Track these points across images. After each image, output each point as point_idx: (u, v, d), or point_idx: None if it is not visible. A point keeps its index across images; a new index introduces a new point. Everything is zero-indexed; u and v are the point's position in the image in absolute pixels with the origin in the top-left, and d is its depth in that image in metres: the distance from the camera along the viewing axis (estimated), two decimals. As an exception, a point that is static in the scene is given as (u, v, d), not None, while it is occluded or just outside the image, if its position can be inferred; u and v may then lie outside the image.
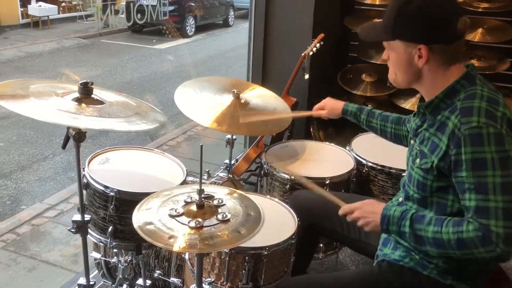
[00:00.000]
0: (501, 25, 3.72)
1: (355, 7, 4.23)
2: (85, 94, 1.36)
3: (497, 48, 3.78)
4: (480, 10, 3.62)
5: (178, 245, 1.25)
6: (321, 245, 2.22)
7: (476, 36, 3.65)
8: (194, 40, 11.50)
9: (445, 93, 1.40)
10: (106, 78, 7.77)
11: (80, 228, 1.44)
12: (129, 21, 10.90)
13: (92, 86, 1.38)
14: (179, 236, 1.27)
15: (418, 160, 1.45)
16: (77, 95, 1.37)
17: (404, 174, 1.62)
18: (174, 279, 1.93)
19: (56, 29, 11.64)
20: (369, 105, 4.13)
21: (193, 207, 1.40)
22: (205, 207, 1.39)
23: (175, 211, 1.38)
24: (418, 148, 1.47)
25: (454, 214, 1.37)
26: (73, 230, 1.46)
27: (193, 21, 11.81)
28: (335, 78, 4.16)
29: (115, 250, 1.85)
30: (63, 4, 12.82)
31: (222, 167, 2.55)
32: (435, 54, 1.37)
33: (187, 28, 11.54)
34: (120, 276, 1.87)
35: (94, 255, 2.07)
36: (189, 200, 1.43)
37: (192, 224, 1.32)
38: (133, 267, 2.01)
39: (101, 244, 1.76)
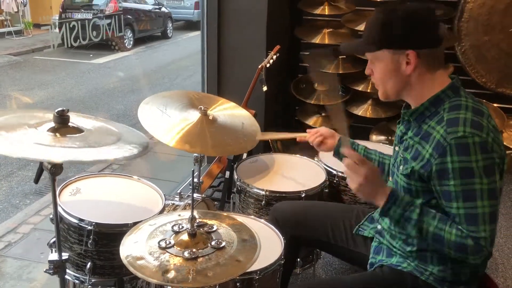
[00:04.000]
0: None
1: (304, 17, 4.29)
2: (62, 123, 1.25)
3: (441, 54, 3.96)
4: (424, 18, 3.77)
5: (175, 280, 1.17)
6: (298, 259, 2.19)
7: (421, 43, 3.79)
8: (133, 53, 11.20)
9: (430, 101, 1.43)
10: (43, 96, 7.38)
11: (58, 268, 1.31)
12: (61, 35, 10.36)
13: (69, 114, 1.27)
14: (175, 270, 1.19)
15: (401, 167, 1.48)
16: (52, 124, 1.25)
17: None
18: (153, 310, 1.82)
19: (-17, 46, 10.93)
20: (323, 114, 4.20)
21: (184, 237, 1.32)
22: (197, 235, 1.32)
23: (166, 242, 1.29)
24: (402, 156, 1.50)
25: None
26: (50, 272, 1.33)
27: (131, 34, 11.52)
28: (288, 88, 4.19)
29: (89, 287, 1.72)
30: (-11, 19, 12.08)
31: (190, 187, 2.46)
32: (422, 59, 1.40)
33: (125, 41, 11.23)
34: (97, 313, 1.73)
35: (62, 292, 1.91)
36: (177, 229, 1.35)
37: (187, 255, 1.24)
38: (108, 301, 1.88)
39: (77, 281, 1.62)
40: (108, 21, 10.82)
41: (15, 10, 12.13)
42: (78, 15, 10.54)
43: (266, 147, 3.82)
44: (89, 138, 1.24)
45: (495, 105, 4.04)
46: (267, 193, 2.12)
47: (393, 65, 1.43)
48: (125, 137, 1.33)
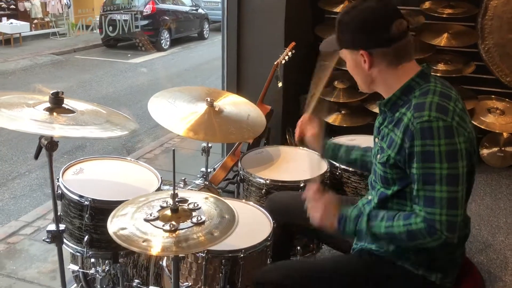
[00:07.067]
0: (465, 30, 3.86)
1: (326, 16, 4.34)
2: (56, 104, 1.38)
3: (463, 52, 3.92)
4: (444, 16, 3.75)
5: (152, 248, 1.27)
6: (298, 247, 2.25)
7: (442, 41, 3.78)
8: (169, 53, 11.51)
9: (401, 90, 1.47)
10: (81, 93, 7.71)
11: (55, 237, 1.44)
12: (102, 34, 10.85)
13: (63, 96, 1.40)
14: (153, 240, 1.29)
15: (378, 156, 1.53)
16: (48, 105, 1.39)
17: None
18: (153, 288, 1.93)
19: (29, 46, 11.51)
20: (343, 111, 4.23)
21: (168, 212, 1.42)
22: (179, 211, 1.42)
23: (150, 215, 1.40)
24: (379, 145, 1.54)
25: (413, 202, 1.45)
26: (48, 240, 1.47)
27: (168, 35, 11.83)
28: (309, 86, 4.23)
29: (92, 261, 1.85)
30: (35, 21, 12.69)
31: (198, 176, 2.57)
32: (377, 58, 1.45)
33: (162, 41, 11.55)
34: (99, 286, 1.86)
35: (72, 267, 2.06)
36: (164, 205, 1.45)
37: (167, 227, 1.34)
38: (112, 277, 2.00)
39: (78, 254, 1.76)
40: (146, 21, 11.18)
41: (60, 11, 12.71)
42: (117, 16, 10.94)
43: (284, 139, 3.89)
44: (79, 118, 1.36)
45: (519, 105, 3.95)
46: (267, 182, 2.19)
47: (354, 63, 1.51)
48: (112, 120, 1.44)
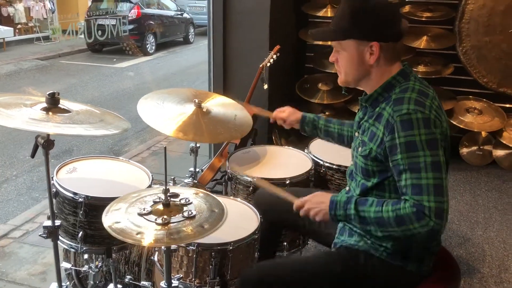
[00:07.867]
0: (444, 33, 4.00)
1: (309, 20, 4.44)
2: (53, 104, 1.45)
3: (442, 54, 4.06)
4: (423, 19, 3.89)
5: (145, 240, 1.34)
6: (285, 243, 2.33)
7: (421, 43, 3.91)
8: (155, 57, 11.54)
9: (382, 87, 1.56)
10: (67, 98, 7.71)
11: (51, 233, 1.50)
12: (90, 38, 10.82)
13: (59, 96, 1.46)
14: (146, 232, 1.36)
15: (360, 149, 1.62)
16: (44, 105, 1.45)
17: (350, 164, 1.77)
18: (144, 283, 1.99)
19: (13, 51, 11.45)
20: (327, 112, 4.33)
21: (160, 206, 1.49)
22: (171, 206, 1.48)
23: (143, 210, 1.46)
24: (361, 139, 1.63)
25: (391, 194, 1.55)
26: (44, 236, 1.52)
27: (153, 39, 11.86)
28: (294, 88, 4.34)
29: (85, 257, 1.90)
30: (19, 26, 12.62)
31: (187, 175, 2.64)
32: (384, 52, 1.53)
33: (147, 46, 11.57)
34: (92, 282, 1.92)
35: (65, 265, 2.11)
36: (157, 200, 1.52)
37: (159, 220, 1.41)
38: (104, 274, 2.06)
39: (72, 250, 1.81)
40: (131, 26, 11.19)
41: (44, 17, 12.66)
42: (106, 21, 10.92)
43: (269, 139, 3.98)
44: (74, 117, 1.43)
45: (496, 104, 4.09)
46: (254, 179, 2.27)
47: (357, 54, 1.54)
48: (106, 120, 1.51)
